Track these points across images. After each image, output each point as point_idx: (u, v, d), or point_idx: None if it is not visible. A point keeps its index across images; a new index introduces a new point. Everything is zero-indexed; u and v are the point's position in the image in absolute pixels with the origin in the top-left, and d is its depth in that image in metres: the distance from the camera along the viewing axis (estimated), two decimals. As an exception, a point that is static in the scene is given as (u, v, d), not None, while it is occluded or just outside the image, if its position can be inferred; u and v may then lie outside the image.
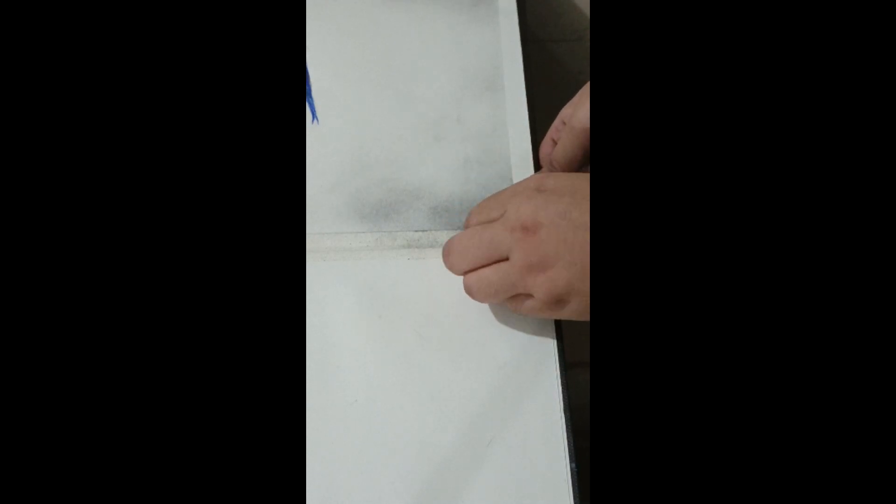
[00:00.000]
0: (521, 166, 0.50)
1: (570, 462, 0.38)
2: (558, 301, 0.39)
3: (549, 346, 0.42)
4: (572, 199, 0.39)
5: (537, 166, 0.49)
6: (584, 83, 0.47)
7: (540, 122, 0.53)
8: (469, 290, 0.41)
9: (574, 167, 0.46)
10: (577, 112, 0.45)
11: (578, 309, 0.39)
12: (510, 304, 0.41)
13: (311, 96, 0.53)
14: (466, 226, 0.43)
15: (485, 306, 0.43)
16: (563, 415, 0.39)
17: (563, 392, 0.40)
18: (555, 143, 0.48)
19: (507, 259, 0.40)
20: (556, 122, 0.48)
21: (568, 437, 0.39)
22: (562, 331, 0.43)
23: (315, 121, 0.52)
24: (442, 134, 0.52)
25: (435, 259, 0.44)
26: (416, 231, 0.47)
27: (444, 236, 0.46)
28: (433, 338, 0.42)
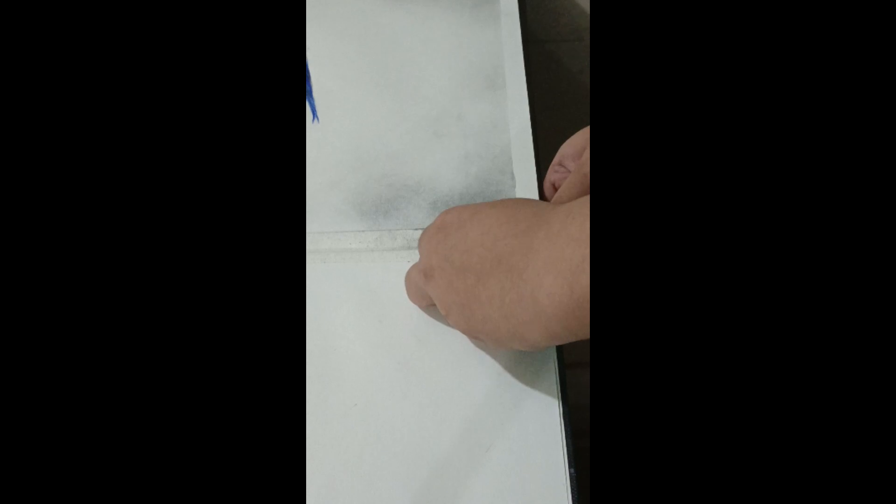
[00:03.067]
0: (522, 164, 0.50)
1: (569, 467, 0.38)
2: (475, 338, 0.39)
3: (549, 348, 0.42)
4: (455, 240, 0.37)
5: (538, 165, 0.49)
6: (585, 84, 0.47)
7: (540, 121, 0.53)
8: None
9: None
10: (588, 156, 0.44)
11: (493, 344, 0.38)
12: None
13: (311, 95, 0.53)
14: None
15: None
16: (561, 419, 0.39)
17: (562, 396, 0.40)
18: (555, 187, 0.47)
19: None
20: (555, 162, 0.48)
21: (567, 442, 0.38)
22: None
23: (315, 120, 0.52)
24: (442, 131, 0.52)
25: (435, 260, 0.44)
26: (416, 229, 0.47)
27: (443, 235, 0.46)
28: (433, 342, 0.42)
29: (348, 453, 0.38)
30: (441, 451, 0.38)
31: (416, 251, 0.46)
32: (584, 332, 0.34)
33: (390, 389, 0.40)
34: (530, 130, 0.51)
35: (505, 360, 0.41)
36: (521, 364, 0.41)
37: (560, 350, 0.42)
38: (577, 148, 0.45)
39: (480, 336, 0.38)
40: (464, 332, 0.39)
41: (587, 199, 0.34)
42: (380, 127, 0.52)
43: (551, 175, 0.48)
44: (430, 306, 0.42)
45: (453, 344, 0.42)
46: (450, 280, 0.37)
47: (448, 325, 0.42)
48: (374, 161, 0.50)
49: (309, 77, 0.54)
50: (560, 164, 0.47)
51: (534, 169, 0.49)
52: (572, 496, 0.37)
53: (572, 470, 0.38)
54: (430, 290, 0.39)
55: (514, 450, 0.38)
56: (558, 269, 0.33)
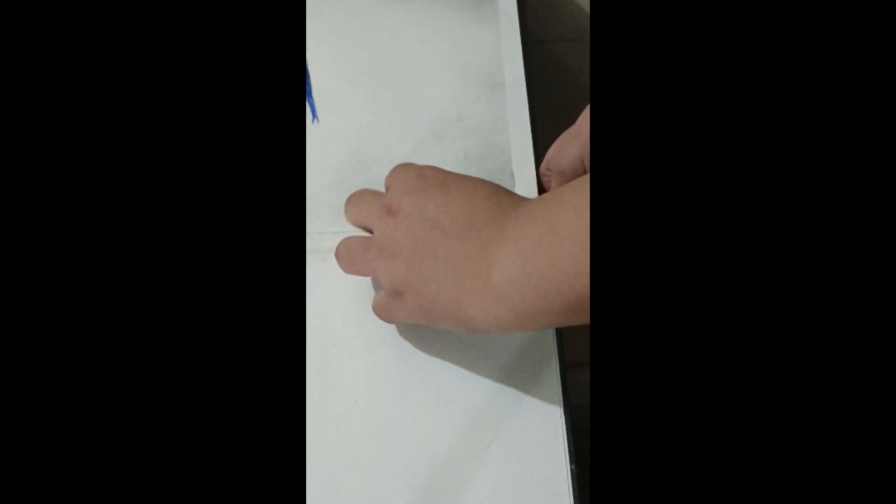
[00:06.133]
0: (522, 163, 0.50)
1: (570, 463, 0.38)
2: (397, 293, 0.38)
3: (549, 347, 0.42)
4: (435, 193, 0.38)
5: (538, 165, 0.49)
6: (585, 84, 0.47)
7: (540, 121, 0.53)
8: (336, 253, 0.42)
9: None
10: (564, 156, 0.45)
11: (413, 307, 0.38)
12: (375, 305, 0.41)
13: (311, 96, 0.53)
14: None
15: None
16: (563, 416, 0.39)
17: (563, 393, 0.40)
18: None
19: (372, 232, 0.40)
20: (543, 167, 0.48)
21: (567, 439, 0.39)
22: (562, 331, 0.43)
23: (315, 120, 0.52)
24: (442, 132, 0.52)
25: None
26: (416, 230, 0.47)
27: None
28: (433, 339, 0.42)
29: (349, 450, 0.38)
30: (441, 447, 0.38)
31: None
32: (531, 322, 0.34)
33: (390, 387, 0.40)
34: (530, 130, 0.51)
35: (506, 357, 0.41)
36: (522, 361, 0.41)
37: (561, 350, 0.42)
38: (560, 151, 0.45)
39: (409, 295, 0.37)
40: (396, 283, 0.38)
41: (563, 188, 0.34)
42: (380, 128, 0.52)
43: (541, 178, 0.49)
44: (359, 273, 0.42)
45: (454, 342, 0.42)
46: (413, 226, 0.37)
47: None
48: (374, 163, 0.50)
49: (309, 77, 0.54)
50: (548, 169, 0.47)
51: (533, 169, 0.49)
52: (573, 492, 0.37)
53: (573, 466, 0.38)
54: (386, 226, 0.38)
55: (515, 446, 0.38)
56: (517, 247, 0.33)
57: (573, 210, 0.32)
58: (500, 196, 0.37)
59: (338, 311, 0.43)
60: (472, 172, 0.49)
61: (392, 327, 0.43)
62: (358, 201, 0.43)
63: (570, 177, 0.44)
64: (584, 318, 0.33)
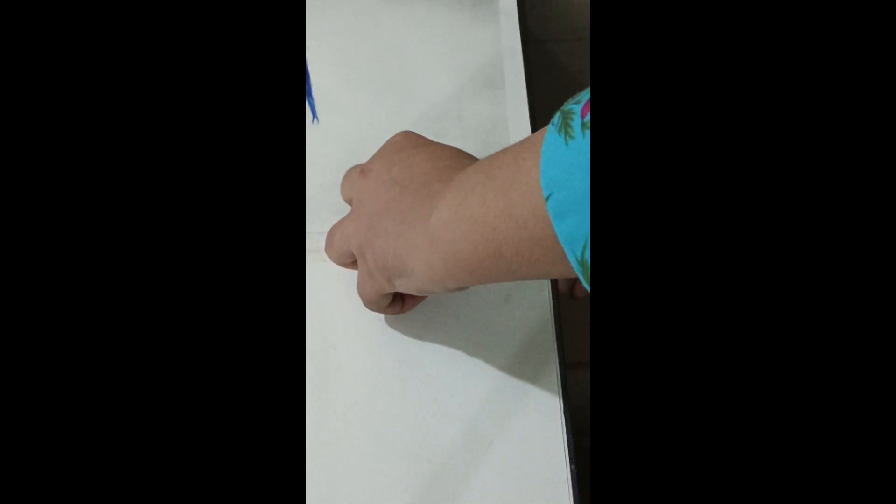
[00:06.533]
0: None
1: (570, 463, 0.38)
2: (361, 255, 0.39)
3: (549, 347, 0.42)
4: (405, 155, 0.38)
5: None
6: (585, 84, 0.47)
7: (540, 121, 0.53)
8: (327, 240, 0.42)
9: None
10: None
11: (373, 267, 0.38)
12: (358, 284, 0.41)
13: (311, 96, 0.53)
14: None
15: (485, 309, 0.43)
16: (562, 416, 0.39)
17: (562, 393, 0.40)
18: None
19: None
20: None
21: (568, 439, 0.39)
22: (562, 331, 0.43)
23: (315, 120, 0.52)
24: (442, 131, 0.52)
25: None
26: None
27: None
28: (433, 339, 0.42)
29: (349, 451, 0.38)
30: (441, 447, 0.38)
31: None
32: (460, 273, 0.34)
33: (390, 387, 0.41)
34: (530, 130, 0.52)
35: (506, 357, 0.41)
36: (522, 361, 0.41)
37: (561, 350, 0.42)
38: None
39: (367, 253, 0.38)
40: (359, 242, 0.38)
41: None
42: (380, 127, 0.52)
43: None
44: (350, 264, 0.42)
45: (454, 342, 0.42)
46: (378, 185, 0.38)
47: (447, 324, 0.42)
48: (374, 162, 0.50)
49: (309, 77, 0.54)
50: None
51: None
52: (573, 492, 0.37)
53: (573, 466, 0.38)
54: (359, 187, 0.39)
55: (514, 445, 0.38)
56: (457, 190, 0.34)
57: (512, 156, 0.32)
58: (462, 158, 0.38)
59: (338, 312, 0.43)
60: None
61: (391, 329, 0.43)
62: (345, 174, 0.43)
63: None
64: (508, 273, 0.33)
